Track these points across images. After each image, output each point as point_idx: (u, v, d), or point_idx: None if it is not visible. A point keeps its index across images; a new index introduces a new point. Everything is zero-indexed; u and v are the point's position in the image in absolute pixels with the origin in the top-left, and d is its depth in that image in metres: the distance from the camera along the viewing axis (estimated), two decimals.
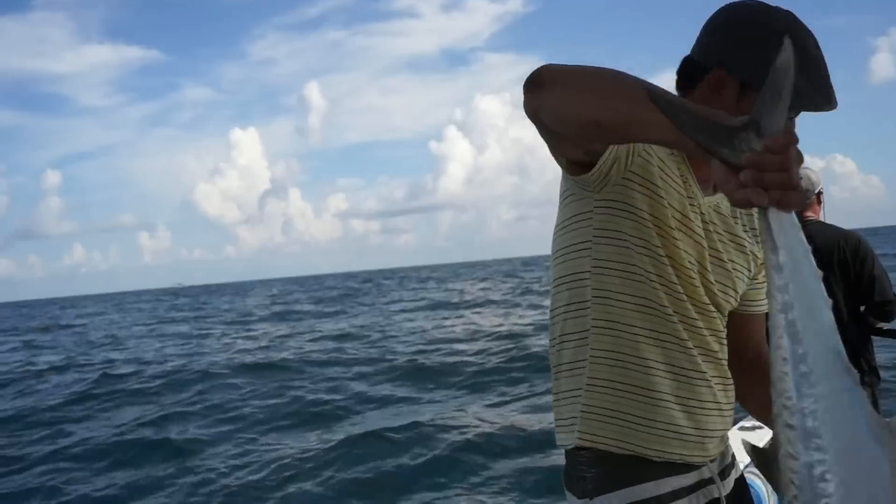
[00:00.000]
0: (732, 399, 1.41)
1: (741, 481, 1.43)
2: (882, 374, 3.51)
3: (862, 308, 3.39)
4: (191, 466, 8.20)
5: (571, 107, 1.11)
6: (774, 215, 0.86)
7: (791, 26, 1.27)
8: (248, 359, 16.09)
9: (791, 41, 0.82)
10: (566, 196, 1.37)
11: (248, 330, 24.92)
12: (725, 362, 1.37)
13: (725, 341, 1.39)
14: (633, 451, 1.28)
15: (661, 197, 1.28)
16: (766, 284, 0.89)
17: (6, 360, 20.44)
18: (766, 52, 1.24)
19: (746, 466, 1.89)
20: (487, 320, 21.87)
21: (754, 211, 1.33)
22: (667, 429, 1.29)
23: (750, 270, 1.44)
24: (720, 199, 1.37)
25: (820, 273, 0.87)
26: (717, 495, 1.31)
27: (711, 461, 1.35)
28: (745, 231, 1.43)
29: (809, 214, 3.52)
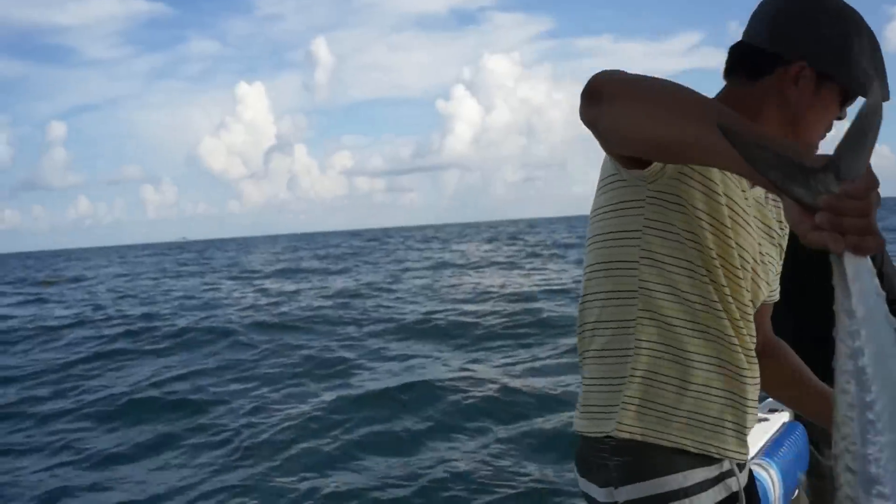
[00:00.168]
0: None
1: (750, 473, 1.43)
2: None
3: None
4: (204, 424, 8.33)
5: (633, 127, 1.07)
6: (850, 260, 0.84)
7: (862, 20, 1.26)
8: (259, 316, 16.20)
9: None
10: (613, 180, 1.31)
11: (256, 286, 25.00)
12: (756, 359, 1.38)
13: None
14: (674, 444, 1.26)
15: (718, 194, 1.26)
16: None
17: (18, 313, 20.54)
18: (851, 50, 1.24)
19: (752, 458, 1.93)
20: (493, 281, 21.96)
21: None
22: (717, 424, 1.28)
23: (779, 263, 1.42)
24: (761, 190, 1.35)
25: (894, 320, 0.86)
26: (735, 489, 1.29)
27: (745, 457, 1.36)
28: (776, 220, 1.40)
29: None
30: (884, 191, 0.89)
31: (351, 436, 7.42)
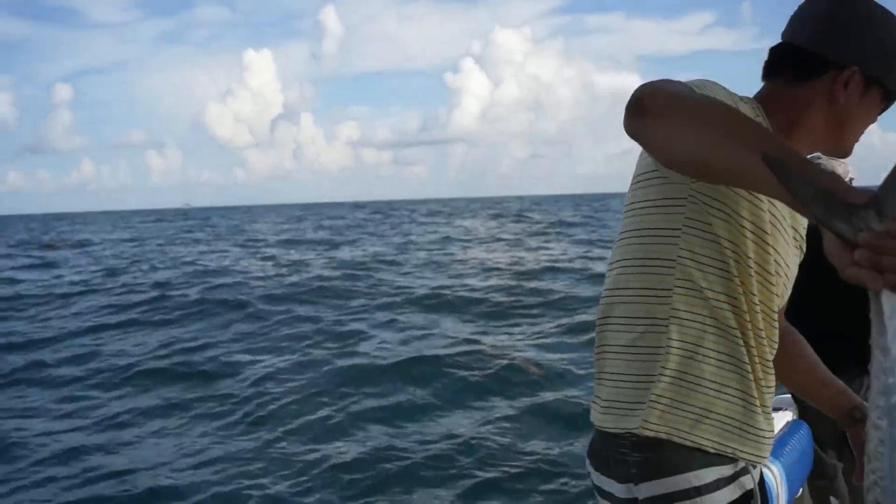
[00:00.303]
0: None
1: (760, 472, 1.42)
2: None
3: None
4: (213, 393, 8.42)
5: (679, 148, 1.06)
6: (887, 298, 0.85)
7: None
8: (267, 286, 16.27)
9: None
10: (652, 176, 1.30)
11: (264, 255, 25.00)
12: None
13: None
14: (694, 443, 1.27)
15: (761, 199, 1.26)
16: None
17: (25, 277, 20.53)
18: None
19: None
20: (499, 258, 22.02)
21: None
22: (738, 427, 1.29)
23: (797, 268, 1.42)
24: None
25: None
26: (750, 486, 1.30)
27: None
28: (801, 224, 1.40)
29: None
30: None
31: (358, 407, 7.52)
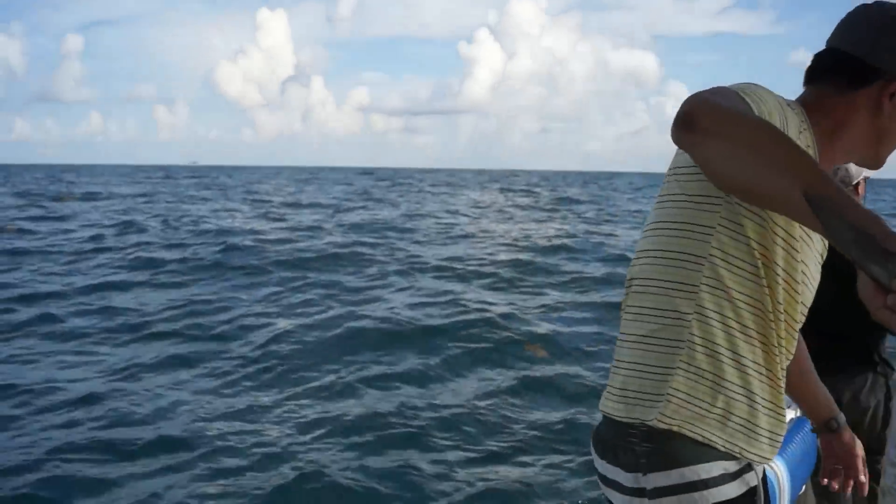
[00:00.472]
0: None
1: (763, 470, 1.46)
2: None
3: None
4: (220, 349, 8.51)
5: (724, 169, 1.08)
6: None
7: None
8: (278, 247, 16.30)
9: None
10: (694, 171, 1.30)
11: (275, 217, 24.98)
12: None
13: None
14: (705, 439, 1.29)
15: None
16: None
17: (35, 229, 20.54)
18: None
19: None
20: (509, 230, 22.10)
21: None
22: (750, 429, 1.32)
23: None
24: None
25: None
26: (754, 483, 1.32)
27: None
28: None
29: None
30: None
31: (366, 371, 7.58)
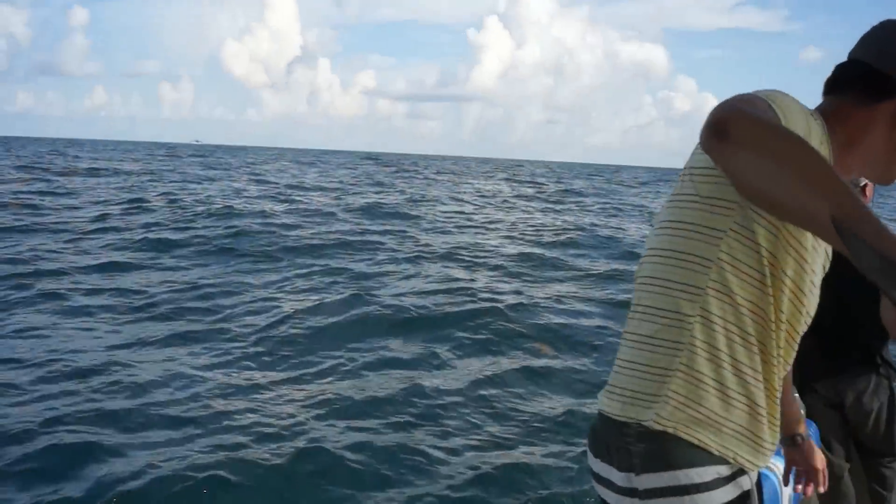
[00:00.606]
0: None
1: (758, 473, 1.45)
2: None
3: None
4: (223, 327, 8.61)
5: (753, 182, 1.07)
6: None
7: None
8: (288, 231, 16.33)
9: None
10: (710, 174, 1.29)
11: (283, 199, 24.82)
12: None
13: None
14: (700, 442, 1.29)
15: None
16: None
17: (40, 204, 20.37)
18: None
19: None
20: (513, 220, 22.07)
21: None
22: (745, 435, 1.32)
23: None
24: None
25: None
26: (747, 487, 1.32)
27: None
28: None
29: None
30: None
31: (370, 357, 7.66)
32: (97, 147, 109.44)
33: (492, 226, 20.45)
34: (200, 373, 6.93)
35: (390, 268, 12.70)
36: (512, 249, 15.56)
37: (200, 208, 19.75)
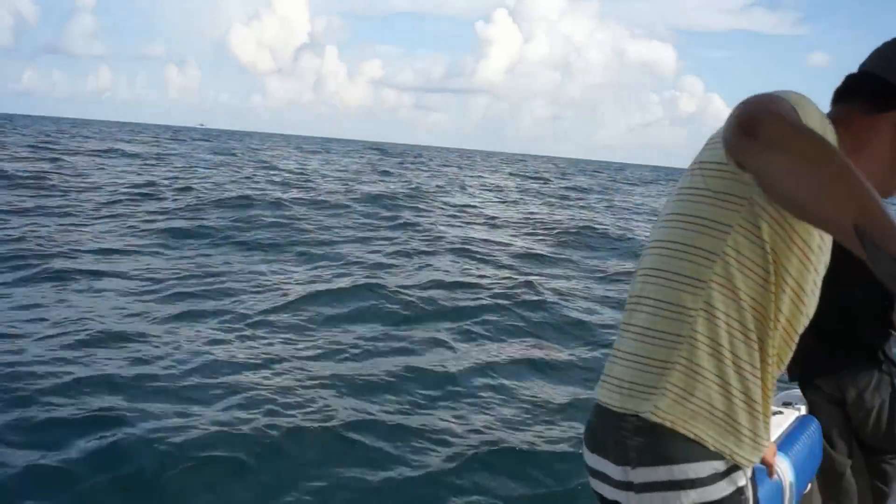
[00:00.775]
0: None
1: (753, 470, 1.44)
2: None
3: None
4: (225, 309, 8.69)
5: (779, 183, 1.06)
6: None
7: None
8: (299, 220, 16.34)
9: None
10: (722, 169, 1.28)
11: (292, 186, 24.70)
12: None
13: None
14: (697, 437, 1.28)
15: None
16: None
17: (50, 184, 20.20)
18: None
19: None
20: (518, 215, 22.15)
21: None
22: (740, 431, 1.31)
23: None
24: None
25: None
26: (742, 483, 1.32)
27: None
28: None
29: None
30: None
31: (380, 343, 7.80)
32: (102, 127, 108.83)
33: (499, 220, 20.51)
34: (210, 346, 7.08)
35: (398, 259, 12.78)
36: (518, 244, 15.65)
37: (210, 195, 19.65)
